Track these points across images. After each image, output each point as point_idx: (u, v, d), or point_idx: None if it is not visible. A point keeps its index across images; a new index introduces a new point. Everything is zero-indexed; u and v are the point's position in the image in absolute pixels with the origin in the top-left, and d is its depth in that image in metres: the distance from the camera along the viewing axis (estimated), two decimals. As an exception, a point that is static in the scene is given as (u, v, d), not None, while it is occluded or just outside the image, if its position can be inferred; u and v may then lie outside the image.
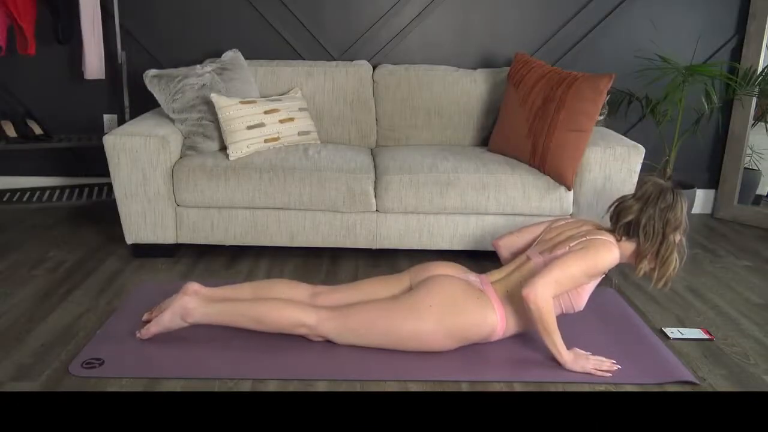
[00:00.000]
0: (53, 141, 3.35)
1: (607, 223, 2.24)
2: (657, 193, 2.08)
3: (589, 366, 2.02)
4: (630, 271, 2.87)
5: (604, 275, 2.12)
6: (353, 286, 2.23)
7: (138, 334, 2.14)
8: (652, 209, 2.07)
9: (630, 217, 2.10)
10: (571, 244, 2.08)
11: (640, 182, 2.18)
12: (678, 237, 2.08)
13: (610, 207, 2.21)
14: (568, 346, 2.05)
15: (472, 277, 2.19)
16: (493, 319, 2.07)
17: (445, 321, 2.03)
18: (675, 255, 2.07)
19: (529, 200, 2.77)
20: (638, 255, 2.11)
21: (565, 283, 2.01)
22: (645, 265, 2.10)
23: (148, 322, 2.21)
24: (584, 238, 2.09)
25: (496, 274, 2.21)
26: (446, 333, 2.04)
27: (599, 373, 2.01)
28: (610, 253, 2.06)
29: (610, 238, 2.11)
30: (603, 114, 3.28)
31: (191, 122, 2.89)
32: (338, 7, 3.48)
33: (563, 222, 2.30)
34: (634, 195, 2.14)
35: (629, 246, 2.12)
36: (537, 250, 2.19)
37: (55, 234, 3.16)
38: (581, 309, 2.15)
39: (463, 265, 2.31)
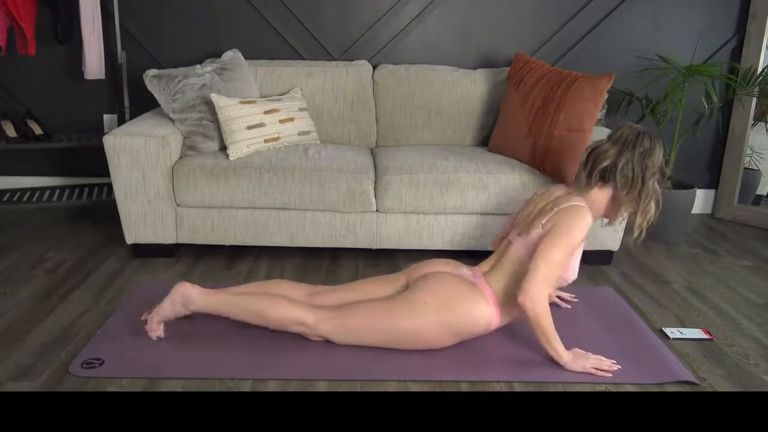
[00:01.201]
0: (53, 141, 3.35)
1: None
2: (634, 137, 2.05)
3: (589, 366, 2.02)
4: (630, 271, 2.88)
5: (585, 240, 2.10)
6: (351, 286, 2.24)
7: (148, 332, 2.12)
8: (630, 153, 2.03)
9: (606, 162, 2.05)
10: (543, 221, 2.05)
11: (615, 128, 2.12)
12: (656, 183, 2.05)
13: (584, 153, 2.16)
14: (568, 347, 2.05)
15: (465, 270, 2.19)
16: (487, 311, 2.07)
17: (442, 317, 2.03)
18: (653, 202, 2.05)
19: (529, 200, 2.77)
20: (615, 202, 2.07)
21: (555, 273, 2.00)
22: (622, 212, 2.06)
23: (146, 322, 2.21)
24: (554, 212, 2.05)
25: (486, 265, 2.20)
26: (444, 329, 2.05)
27: (599, 372, 2.01)
28: (582, 220, 2.02)
29: (579, 202, 2.06)
30: (602, 111, 3.28)
31: (191, 122, 2.89)
32: (338, 7, 3.48)
33: (536, 195, 2.28)
34: (609, 139, 2.10)
35: (604, 195, 2.10)
36: (516, 232, 2.17)
37: (55, 234, 3.16)
38: (575, 278, 2.13)
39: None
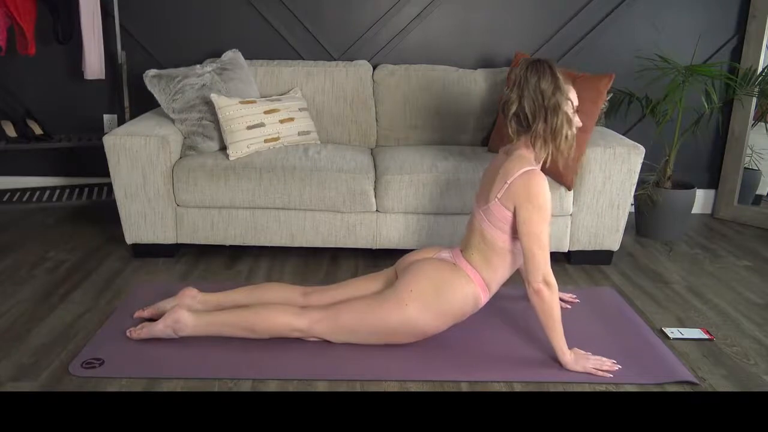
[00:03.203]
0: (53, 141, 3.35)
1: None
2: (524, 73, 1.99)
3: (589, 366, 2.02)
4: (630, 271, 2.88)
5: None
6: (343, 284, 2.25)
7: (128, 333, 2.15)
8: (527, 90, 1.98)
9: (514, 108, 2.01)
10: (498, 195, 2.02)
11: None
12: (561, 100, 1.99)
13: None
14: (568, 346, 2.04)
15: (445, 253, 2.19)
16: (472, 289, 2.08)
17: (429, 303, 2.04)
18: (563, 119, 1.99)
19: (529, 200, 2.77)
20: (533, 137, 2.01)
21: (546, 246, 1.99)
22: (540, 145, 2.01)
23: (140, 319, 2.23)
24: (506, 184, 2.01)
25: (463, 242, 2.21)
26: (434, 315, 2.05)
27: (600, 373, 2.01)
28: (536, 184, 1.97)
29: (524, 165, 2.01)
30: (602, 111, 3.28)
31: (191, 122, 2.89)
32: (338, 7, 3.48)
33: (489, 165, 2.24)
34: (508, 86, 2.05)
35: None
36: (476, 202, 2.18)
37: (55, 234, 3.16)
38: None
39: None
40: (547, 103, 1.98)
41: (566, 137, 2.02)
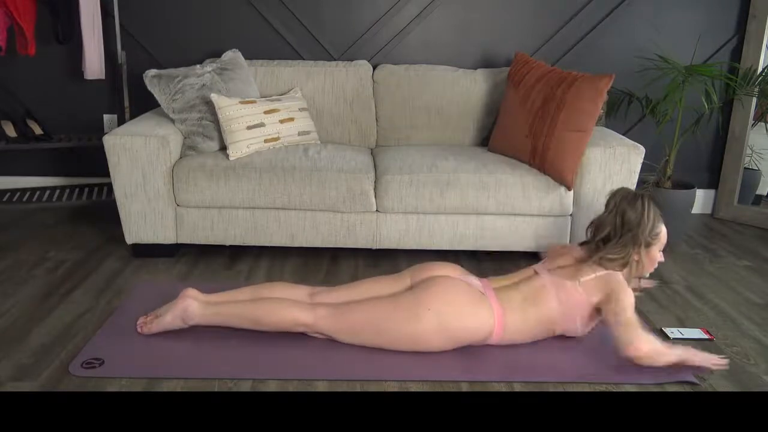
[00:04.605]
0: (53, 141, 3.35)
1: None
2: (640, 216, 2.09)
3: (698, 359, 2.02)
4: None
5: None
6: (352, 285, 2.24)
7: (138, 329, 2.17)
8: (631, 229, 2.10)
9: (619, 258, 2.10)
10: (582, 278, 2.07)
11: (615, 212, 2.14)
12: (654, 241, 2.13)
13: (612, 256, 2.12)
14: (568, 346, 2.05)
15: (474, 280, 2.17)
16: (490, 324, 2.07)
17: (445, 324, 2.03)
18: (654, 256, 2.15)
19: (529, 200, 2.77)
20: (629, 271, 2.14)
21: (638, 326, 2.01)
22: (629, 269, 2.14)
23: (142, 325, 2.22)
24: (593, 276, 2.08)
25: (502, 281, 2.19)
26: (445, 336, 2.04)
27: (712, 365, 2.01)
28: (624, 286, 2.07)
29: (619, 275, 2.11)
30: (602, 111, 3.28)
31: (191, 122, 2.89)
32: (338, 7, 3.48)
33: (568, 246, 2.29)
34: (619, 233, 2.11)
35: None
36: (545, 267, 2.17)
37: (55, 234, 3.16)
38: (583, 334, 2.15)
39: (464, 265, 2.31)
40: (644, 241, 2.11)
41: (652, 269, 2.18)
